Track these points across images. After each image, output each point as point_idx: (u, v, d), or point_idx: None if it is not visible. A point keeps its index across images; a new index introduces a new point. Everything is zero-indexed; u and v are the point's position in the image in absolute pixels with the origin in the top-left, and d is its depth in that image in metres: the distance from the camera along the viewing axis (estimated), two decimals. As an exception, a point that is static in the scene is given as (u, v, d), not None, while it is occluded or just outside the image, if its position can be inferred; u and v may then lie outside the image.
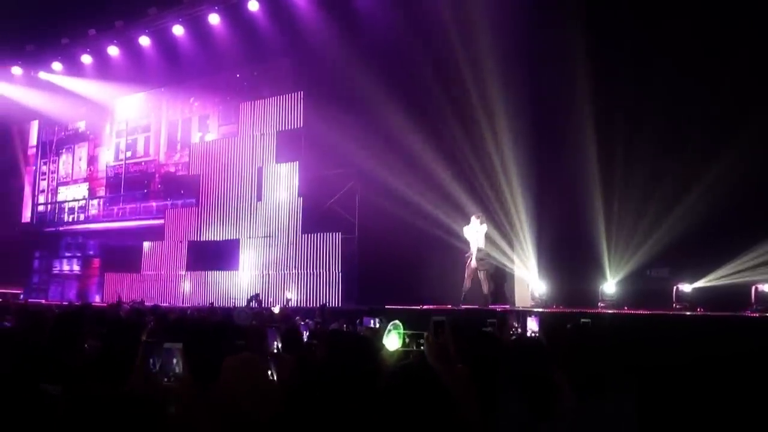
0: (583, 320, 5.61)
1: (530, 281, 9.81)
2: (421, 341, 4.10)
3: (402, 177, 10.81)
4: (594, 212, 9.04)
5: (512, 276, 10.18)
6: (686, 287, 8.00)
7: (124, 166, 17.25)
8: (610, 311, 8.08)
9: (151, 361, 2.80)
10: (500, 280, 10.12)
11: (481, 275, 9.57)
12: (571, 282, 9.40)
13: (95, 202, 17.89)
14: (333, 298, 12.39)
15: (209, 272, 14.49)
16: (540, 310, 8.52)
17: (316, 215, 12.98)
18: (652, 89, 8.67)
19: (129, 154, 17.24)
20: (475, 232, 9.64)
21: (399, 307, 9.44)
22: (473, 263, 9.54)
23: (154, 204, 16.33)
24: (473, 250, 9.56)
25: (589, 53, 9.05)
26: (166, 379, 2.70)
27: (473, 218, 9.71)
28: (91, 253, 17.77)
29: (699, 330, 6.45)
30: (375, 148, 11.16)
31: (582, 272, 9.23)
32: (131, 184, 17.03)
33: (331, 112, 11.95)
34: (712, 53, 8.19)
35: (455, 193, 10.50)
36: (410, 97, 10.81)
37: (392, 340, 4.59)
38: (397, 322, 4.78)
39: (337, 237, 12.67)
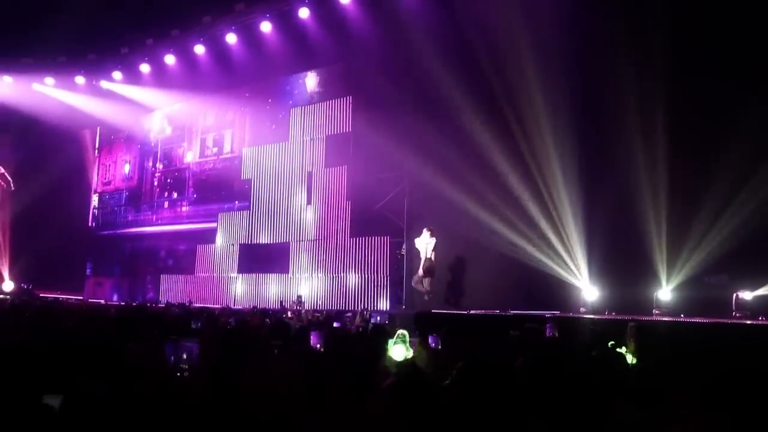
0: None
1: (581, 287, 9.61)
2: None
3: (451, 181, 10.75)
4: (647, 216, 8.77)
5: (561, 282, 9.97)
6: (747, 295, 7.68)
7: (182, 170, 17.74)
8: (665, 319, 7.83)
9: (171, 357, 2.91)
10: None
11: (425, 282, 10.67)
12: (623, 288, 9.13)
13: (149, 205, 18.47)
14: (381, 302, 12.43)
15: (260, 275, 14.76)
16: (591, 316, 8.33)
17: (365, 219, 13.03)
18: (705, 89, 8.38)
19: (189, 157, 17.71)
20: (425, 244, 10.70)
21: (444, 311, 9.42)
22: (420, 272, 10.71)
23: (211, 207, 16.70)
24: (422, 259, 10.65)
25: (639, 54, 8.82)
26: (179, 374, 2.80)
27: (425, 231, 10.75)
28: (147, 255, 18.28)
29: (761, 340, 6.18)
30: (423, 152, 11.15)
31: (635, 278, 8.95)
32: (186, 188, 17.49)
33: (379, 116, 12.01)
34: (761, 51, 7.86)
35: (503, 197, 10.38)
36: (458, 101, 10.75)
37: (398, 351, 4.55)
38: (403, 332, 4.75)
39: (386, 241, 12.70)
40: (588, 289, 9.48)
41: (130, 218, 18.91)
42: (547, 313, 8.30)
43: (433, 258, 10.66)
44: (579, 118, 9.51)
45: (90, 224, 19.64)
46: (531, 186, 10.12)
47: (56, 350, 2.84)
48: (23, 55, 17.07)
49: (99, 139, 20.10)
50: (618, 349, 4.30)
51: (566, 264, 9.88)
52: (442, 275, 11.02)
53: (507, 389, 2.38)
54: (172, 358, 2.97)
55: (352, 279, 13.12)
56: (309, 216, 14.27)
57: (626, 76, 8.80)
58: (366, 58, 12.93)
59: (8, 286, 17.17)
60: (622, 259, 9.17)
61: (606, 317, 8.36)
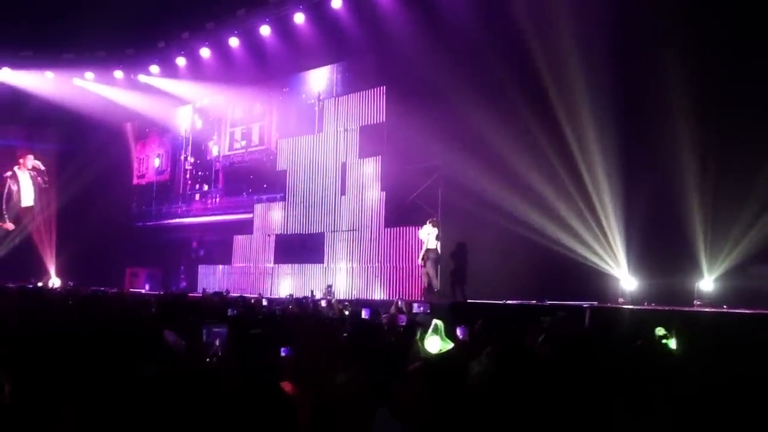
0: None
1: (620, 277, 9.46)
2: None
3: (485, 171, 10.66)
4: (689, 204, 8.57)
5: (599, 272, 9.82)
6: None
7: (212, 162, 17.98)
8: (707, 310, 7.65)
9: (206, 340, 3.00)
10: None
11: (431, 272, 11.02)
12: (663, 278, 8.95)
13: (180, 197, 18.81)
14: (415, 292, 12.43)
15: (295, 265, 14.92)
16: (630, 307, 8.20)
17: (399, 209, 13.03)
18: (752, 75, 8.12)
19: (217, 151, 17.94)
20: (427, 234, 11.09)
21: (481, 302, 9.38)
22: (420, 262, 11.20)
23: (242, 199, 16.91)
24: (423, 250, 11.07)
25: (683, 39, 8.58)
26: (207, 359, 2.87)
27: (428, 222, 11.18)
28: (179, 246, 18.60)
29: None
30: (458, 142, 11.07)
31: (676, 268, 8.77)
32: (221, 179, 17.73)
33: (413, 106, 11.95)
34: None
35: (539, 187, 10.25)
36: (493, 91, 10.64)
37: (433, 343, 4.39)
38: (438, 322, 4.58)
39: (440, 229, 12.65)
40: (627, 279, 9.33)
41: (162, 210, 19.27)
42: (585, 304, 8.20)
43: (438, 248, 11.07)
44: (620, 103, 9.30)
45: (129, 217, 20.06)
46: (569, 174, 9.97)
47: (102, 336, 2.92)
48: (64, 50, 17.48)
49: (137, 132, 20.49)
50: (664, 340, 4.21)
51: (604, 253, 9.73)
52: (478, 265, 10.96)
53: (534, 374, 2.37)
54: (206, 340, 3.05)
55: (387, 269, 13.15)
56: (343, 207, 14.34)
57: (670, 61, 8.59)
58: (399, 48, 12.86)
59: (55, 282, 17.65)
60: (662, 249, 8.99)
61: (645, 308, 8.22)
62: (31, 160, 17.41)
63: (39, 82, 17.88)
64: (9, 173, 17.56)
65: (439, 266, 11.21)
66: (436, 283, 11.08)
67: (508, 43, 10.58)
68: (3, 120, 18.59)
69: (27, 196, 17.46)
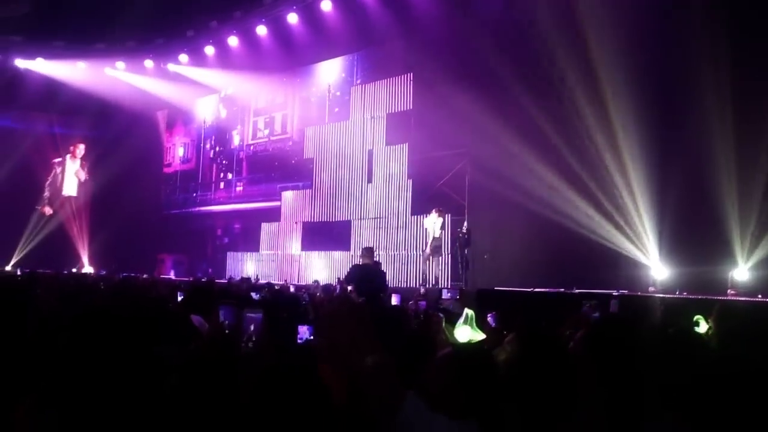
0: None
1: (651, 266, 9.31)
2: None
3: (513, 158, 10.56)
4: (723, 191, 8.37)
5: (629, 259, 9.68)
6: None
7: (236, 151, 18.15)
8: (742, 299, 7.50)
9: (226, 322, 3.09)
10: None
11: (434, 260, 11.54)
12: (696, 267, 8.77)
13: (205, 186, 19.07)
14: (442, 280, 12.40)
15: (322, 252, 15.00)
16: (661, 295, 8.08)
17: (426, 197, 12.99)
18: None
19: (240, 139, 18.13)
20: (433, 224, 11.49)
21: (508, 289, 9.33)
22: (428, 250, 11.61)
23: (266, 187, 17.06)
24: (430, 239, 11.47)
25: (717, 23, 8.36)
26: (243, 345, 2.93)
27: (433, 211, 11.49)
28: (212, 233, 18.84)
29: None
30: (485, 128, 10.97)
31: (709, 256, 8.59)
32: (248, 167, 17.89)
33: (440, 93, 11.87)
34: None
35: (568, 174, 10.12)
36: (521, 77, 10.51)
37: (463, 333, 4.29)
38: (469, 312, 4.53)
39: (447, 219, 12.63)
40: (657, 268, 9.17)
41: (187, 198, 19.56)
42: (614, 292, 8.09)
43: (441, 236, 11.54)
44: (653, 87, 9.11)
45: (159, 205, 20.37)
46: (599, 161, 9.82)
47: (134, 318, 2.97)
48: (96, 41, 17.75)
49: (167, 120, 20.75)
50: (697, 327, 4.13)
51: (635, 241, 9.59)
52: (505, 253, 10.90)
53: (560, 361, 2.35)
54: (227, 322, 3.13)
55: (414, 257, 13.15)
56: (370, 194, 14.35)
57: (704, 45, 8.38)
58: (426, 34, 12.79)
59: (88, 269, 18.02)
60: (694, 236, 8.81)
61: (677, 296, 8.08)
62: (81, 150, 17.59)
63: (71, 72, 18.17)
64: (58, 159, 17.80)
65: (439, 255, 11.71)
66: (435, 271, 11.68)
67: (537, 28, 10.42)
68: (37, 109, 18.95)
69: (70, 185, 17.69)
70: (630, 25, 9.20)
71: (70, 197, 18.87)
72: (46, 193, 17.39)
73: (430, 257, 11.65)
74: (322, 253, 15.04)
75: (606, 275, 9.25)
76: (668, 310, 7.01)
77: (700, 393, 2.55)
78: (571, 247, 9.79)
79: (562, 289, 9.01)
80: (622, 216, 9.65)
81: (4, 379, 2.33)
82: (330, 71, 15.79)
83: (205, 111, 19.25)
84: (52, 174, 17.72)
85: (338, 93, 15.53)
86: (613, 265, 9.53)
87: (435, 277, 11.76)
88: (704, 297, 7.31)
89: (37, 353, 2.50)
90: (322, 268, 14.83)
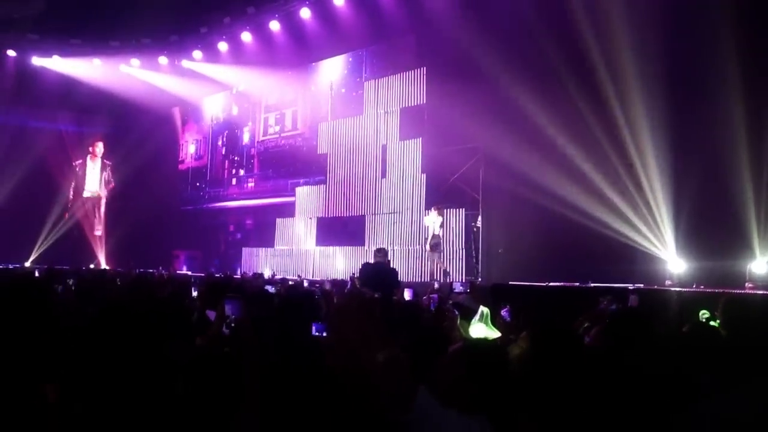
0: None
1: (667, 259, 9.22)
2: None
3: (527, 152, 10.49)
4: (740, 182, 8.26)
5: (645, 253, 9.59)
6: None
7: (248, 147, 18.24)
8: (760, 293, 7.40)
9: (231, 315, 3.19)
10: None
11: (435, 257, 11.87)
12: (713, 260, 8.67)
13: (217, 182, 19.18)
14: (456, 274, 12.39)
15: (337, 248, 15.03)
16: (678, 289, 8.00)
17: (440, 192, 12.97)
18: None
19: (251, 136, 18.22)
20: (432, 222, 11.75)
21: (523, 284, 9.29)
22: (427, 248, 11.93)
23: (278, 182, 17.13)
24: (429, 236, 11.75)
25: (736, 16, 8.23)
26: (226, 330, 3.03)
27: (433, 209, 11.93)
28: (224, 229, 18.96)
29: None
30: (499, 123, 10.91)
31: (726, 249, 8.48)
32: (259, 163, 17.97)
33: (454, 87, 11.82)
34: None
35: (583, 167, 10.04)
36: (535, 70, 10.43)
37: (478, 331, 4.32)
38: (484, 310, 4.51)
39: (461, 213, 12.60)
40: (674, 261, 9.08)
41: (200, 195, 19.69)
42: (631, 286, 8.03)
43: (440, 234, 11.85)
44: (668, 80, 8.99)
45: (174, 201, 20.52)
46: (615, 154, 9.73)
47: (149, 314, 3.00)
48: (111, 38, 17.89)
49: (182, 117, 20.87)
50: (711, 323, 4.09)
51: (651, 235, 9.50)
52: (520, 247, 10.84)
53: (575, 356, 2.34)
54: (233, 316, 3.19)
55: (427, 251, 13.11)
56: (384, 189, 14.35)
57: (722, 36, 8.25)
58: (440, 28, 12.71)
59: (104, 267, 18.18)
60: (712, 229, 8.70)
61: (694, 290, 8.00)
62: (100, 148, 17.70)
63: (87, 69, 18.35)
64: (79, 161, 17.92)
65: (441, 252, 12.10)
66: (440, 267, 11.93)
67: (552, 20, 10.33)
68: (54, 107, 19.15)
69: (92, 185, 17.76)
70: (647, 19, 9.08)
71: (91, 197, 19.02)
72: (71, 196, 17.49)
73: (432, 255, 11.92)
74: (337, 248, 15.07)
75: (622, 269, 9.18)
76: (685, 304, 6.95)
77: (718, 386, 2.52)
78: (586, 241, 9.71)
79: (578, 284, 8.96)
80: (639, 209, 9.56)
81: (28, 371, 2.36)
82: (340, 66, 15.79)
83: (217, 107, 19.35)
84: (74, 177, 17.84)
85: (343, 90, 15.57)
86: (629, 259, 9.45)
87: (442, 272, 11.96)
88: (722, 291, 7.22)
89: (57, 347, 2.54)
90: (336, 264, 14.86)
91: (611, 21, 9.49)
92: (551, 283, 9.11)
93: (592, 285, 8.68)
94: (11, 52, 17.89)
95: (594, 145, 9.93)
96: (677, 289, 8.09)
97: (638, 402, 2.40)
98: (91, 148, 18.00)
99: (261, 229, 17.24)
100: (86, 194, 18.71)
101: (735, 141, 8.30)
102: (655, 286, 8.68)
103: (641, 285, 8.65)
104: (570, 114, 10.10)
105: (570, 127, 10.11)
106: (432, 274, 12.03)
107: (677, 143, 9.03)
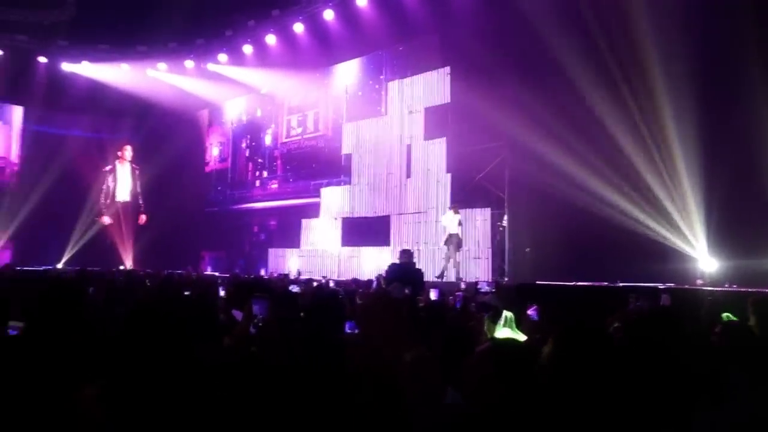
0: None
1: (698, 258, 9.05)
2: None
3: (553, 150, 10.38)
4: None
5: (676, 252, 9.42)
6: None
7: (271, 149, 18.38)
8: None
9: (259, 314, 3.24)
10: None
11: (452, 255, 11.89)
12: (745, 259, 8.48)
13: (242, 184, 19.35)
14: (483, 273, 12.33)
15: (362, 248, 15.06)
16: (710, 288, 7.84)
17: (465, 191, 12.91)
18: None
19: (274, 138, 18.36)
20: (450, 221, 11.95)
21: (550, 283, 9.20)
22: (443, 245, 12.10)
23: (301, 184, 17.22)
24: (447, 234, 11.91)
25: (764, 14, 8.05)
26: (253, 329, 3.07)
27: (450, 209, 12.22)
28: (248, 230, 19.10)
29: None
30: (524, 121, 10.83)
31: (758, 248, 8.29)
32: (282, 165, 18.09)
33: (478, 86, 11.76)
34: None
35: (611, 165, 9.90)
36: (561, 68, 10.30)
37: (503, 335, 4.27)
38: (508, 314, 4.48)
39: (487, 212, 12.53)
40: (705, 260, 8.91)
41: (225, 197, 19.88)
42: (661, 285, 7.89)
43: (459, 233, 11.97)
44: (700, 77, 8.83)
45: (200, 203, 20.75)
46: (644, 151, 9.58)
47: (178, 316, 3.04)
48: (138, 43, 18.18)
49: (208, 119, 21.11)
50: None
51: (682, 233, 9.33)
52: (547, 246, 10.73)
53: (604, 355, 2.30)
54: (260, 315, 3.24)
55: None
56: (409, 189, 14.33)
57: (753, 34, 8.08)
58: (463, 27, 12.66)
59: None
60: (744, 228, 8.52)
61: (726, 289, 7.84)
62: (129, 152, 17.92)
63: (115, 74, 18.66)
64: (109, 167, 18.13)
65: (460, 250, 12.18)
66: (456, 264, 11.97)
67: (580, 18, 10.20)
68: (83, 112, 19.49)
69: (123, 190, 17.92)
70: (678, 13, 8.93)
71: (126, 203, 19.25)
72: (102, 201, 17.67)
73: (452, 253, 11.92)
74: (362, 248, 15.10)
75: (651, 268, 9.02)
76: (716, 303, 6.81)
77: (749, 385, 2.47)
78: (615, 240, 9.57)
79: (606, 283, 8.85)
80: (669, 207, 9.40)
81: (64, 370, 2.41)
82: (356, 69, 15.85)
83: (241, 110, 19.54)
84: (105, 183, 18.05)
85: (360, 93, 15.62)
86: (659, 258, 9.29)
87: (457, 270, 11.97)
88: (756, 290, 7.06)
89: (92, 347, 2.58)
90: (362, 264, 14.88)
91: (640, 20, 9.35)
92: (579, 283, 9.00)
93: (621, 284, 8.55)
94: (42, 59, 18.27)
95: (622, 143, 9.79)
96: (709, 288, 7.94)
97: (668, 401, 2.36)
98: (119, 153, 18.18)
99: (284, 229, 17.38)
100: (117, 198, 18.94)
101: (766, 139, 8.11)
102: (686, 286, 8.53)
103: (672, 284, 8.50)
104: (596, 112, 9.98)
105: (597, 125, 9.98)
106: (457, 273, 11.96)
107: (709, 141, 8.86)
